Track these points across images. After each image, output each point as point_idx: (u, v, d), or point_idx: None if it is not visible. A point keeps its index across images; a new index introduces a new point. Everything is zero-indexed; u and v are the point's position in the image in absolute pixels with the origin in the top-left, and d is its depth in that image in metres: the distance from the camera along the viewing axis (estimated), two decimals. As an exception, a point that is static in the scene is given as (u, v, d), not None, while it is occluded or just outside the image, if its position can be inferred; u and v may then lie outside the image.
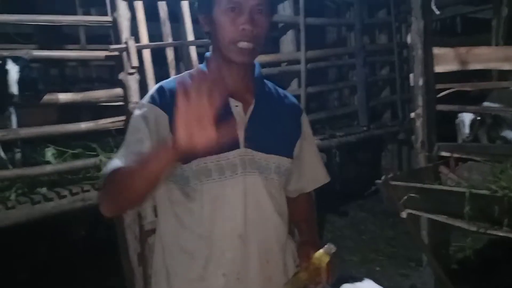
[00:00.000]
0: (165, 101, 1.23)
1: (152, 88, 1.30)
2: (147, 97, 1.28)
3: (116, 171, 1.16)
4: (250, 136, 1.27)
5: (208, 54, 1.34)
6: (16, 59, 2.99)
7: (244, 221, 1.27)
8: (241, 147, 1.26)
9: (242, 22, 1.19)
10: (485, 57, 3.37)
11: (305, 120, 1.43)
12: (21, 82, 2.96)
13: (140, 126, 1.21)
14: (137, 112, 1.26)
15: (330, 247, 1.27)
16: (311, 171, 1.45)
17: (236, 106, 1.27)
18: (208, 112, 1.01)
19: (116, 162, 1.21)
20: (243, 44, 1.20)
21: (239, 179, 1.26)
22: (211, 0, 1.22)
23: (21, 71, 2.97)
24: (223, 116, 1.23)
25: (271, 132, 1.32)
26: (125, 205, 1.25)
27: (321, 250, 1.26)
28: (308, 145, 1.43)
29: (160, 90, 1.26)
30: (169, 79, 1.34)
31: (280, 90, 1.43)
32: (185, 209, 1.28)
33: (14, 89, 2.95)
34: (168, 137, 1.15)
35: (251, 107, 1.29)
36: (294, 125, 1.40)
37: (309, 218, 1.51)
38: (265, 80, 1.40)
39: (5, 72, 2.92)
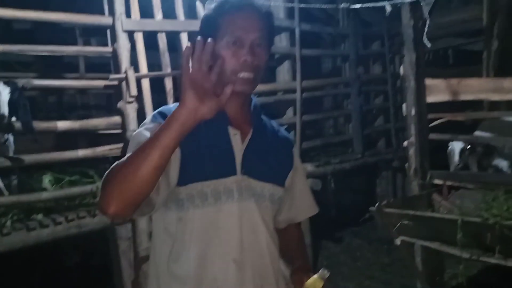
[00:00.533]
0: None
1: (152, 113, 1.34)
2: (149, 118, 1.32)
3: (120, 161, 1.13)
4: (247, 164, 1.30)
5: None
6: (7, 82, 3.05)
7: (239, 246, 1.29)
8: (238, 173, 1.29)
9: (244, 54, 1.25)
10: (475, 88, 3.47)
11: (296, 152, 1.49)
12: (11, 104, 2.99)
13: (142, 137, 1.21)
14: (138, 129, 1.29)
15: (323, 272, 1.28)
16: (301, 202, 1.48)
17: (235, 134, 1.31)
18: (210, 83, 1.08)
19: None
20: (244, 74, 1.26)
21: (235, 204, 1.28)
22: (212, 34, 1.26)
23: (12, 93, 3.01)
24: (222, 143, 1.29)
25: (267, 161, 1.35)
26: (132, 191, 1.11)
27: (315, 276, 1.28)
28: (299, 177, 1.47)
29: (161, 112, 1.31)
30: (169, 105, 1.39)
31: (274, 123, 1.48)
32: (178, 233, 1.29)
33: (4, 110, 2.98)
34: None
35: (249, 136, 1.33)
36: (287, 157, 1.44)
37: (300, 246, 1.53)
38: (261, 114, 1.44)
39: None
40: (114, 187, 1.09)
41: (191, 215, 1.27)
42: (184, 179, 1.24)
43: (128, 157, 1.13)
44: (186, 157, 1.24)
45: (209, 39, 1.09)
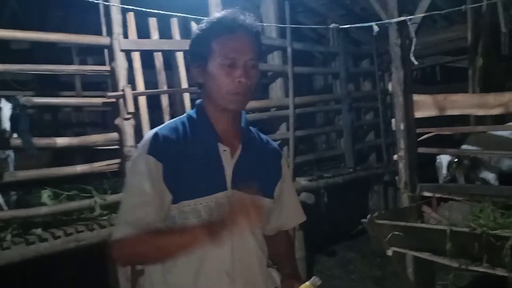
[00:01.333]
0: (160, 149, 1.31)
1: (148, 134, 1.38)
2: (143, 146, 1.35)
3: (132, 240, 1.27)
4: (237, 178, 1.34)
5: (198, 101, 1.44)
6: (8, 98, 3.12)
7: (231, 258, 1.34)
8: (229, 188, 1.34)
9: (238, 76, 1.30)
10: (460, 104, 3.59)
11: (284, 163, 1.55)
12: (12, 120, 3.07)
13: (140, 184, 1.29)
14: (134, 164, 1.34)
15: (316, 280, 1.34)
16: (290, 210, 1.55)
17: (224, 150, 1.37)
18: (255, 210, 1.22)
19: (123, 224, 1.30)
20: (239, 93, 1.32)
21: None
22: (205, 55, 1.33)
23: (13, 109, 3.08)
24: (212, 160, 1.35)
25: (255, 175, 1.38)
26: (146, 263, 1.40)
27: (307, 282, 1.34)
28: (287, 187, 1.54)
29: (155, 138, 1.34)
30: (163, 125, 1.41)
31: (263, 136, 1.54)
32: None
33: (6, 125, 3.04)
34: (162, 187, 1.28)
35: (238, 151, 1.38)
36: (275, 168, 1.49)
37: (289, 252, 1.61)
38: (250, 127, 1.50)
39: (-1, 109, 3.04)
40: (132, 260, 1.40)
41: None
42: (176, 198, 1.30)
43: (150, 244, 1.28)
44: (177, 175, 1.29)
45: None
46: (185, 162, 1.30)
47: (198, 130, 1.37)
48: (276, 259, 1.55)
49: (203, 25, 1.36)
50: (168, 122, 1.44)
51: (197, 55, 1.36)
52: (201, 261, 1.32)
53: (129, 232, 1.27)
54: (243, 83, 1.31)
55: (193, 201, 1.31)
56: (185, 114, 1.44)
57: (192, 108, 1.46)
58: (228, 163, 1.36)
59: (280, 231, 1.57)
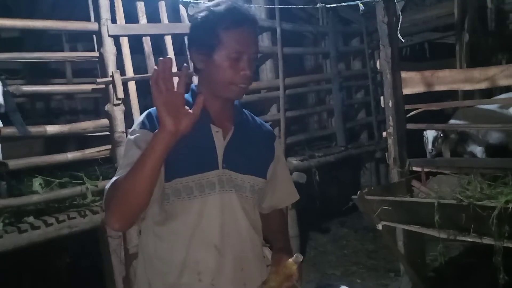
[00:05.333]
0: (153, 125, 1.36)
1: (142, 115, 1.44)
2: (137, 123, 1.42)
3: (116, 180, 1.29)
4: (228, 158, 1.40)
5: (193, 86, 1.49)
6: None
7: (220, 233, 1.40)
8: (220, 167, 1.39)
9: (244, 68, 1.36)
10: (447, 79, 3.64)
11: (278, 145, 1.61)
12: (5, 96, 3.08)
13: (133, 150, 1.34)
14: (129, 137, 1.40)
15: (298, 256, 1.42)
16: (283, 190, 1.61)
17: (217, 131, 1.42)
18: (180, 98, 1.21)
19: (114, 178, 1.34)
20: (242, 86, 1.38)
21: (217, 196, 1.39)
22: (212, 44, 1.36)
23: (3, 86, 3.09)
24: (205, 140, 1.41)
25: (247, 155, 1.44)
26: (132, 207, 1.27)
27: (290, 259, 1.42)
28: (281, 168, 1.59)
29: (149, 116, 1.40)
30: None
31: (257, 119, 1.60)
32: (164, 222, 1.40)
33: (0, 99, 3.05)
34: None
35: (230, 133, 1.44)
36: (268, 150, 1.54)
37: (283, 229, 1.67)
38: (244, 110, 1.56)
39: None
40: (116, 207, 1.26)
41: (177, 207, 1.38)
42: (169, 175, 1.35)
43: (122, 180, 1.25)
44: (171, 155, 1.31)
45: (168, 57, 1.19)
46: (178, 140, 1.32)
47: None
48: (270, 235, 1.62)
49: (208, 13, 1.38)
50: None
51: (202, 43, 1.39)
52: (191, 235, 1.38)
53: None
54: (247, 75, 1.37)
55: (185, 178, 1.36)
56: None
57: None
58: (220, 143, 1.41)
59: (275, 209, 1.63)
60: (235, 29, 1.35)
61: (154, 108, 1.41)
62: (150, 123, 1.38)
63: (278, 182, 1.58)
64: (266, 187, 1.53)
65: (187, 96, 1.46)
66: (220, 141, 1.42)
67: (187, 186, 1.37)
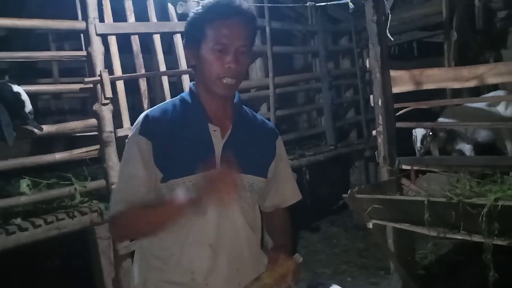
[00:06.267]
0: (150, 129, 1.37)
1: (140, 117, 1.43)
2: (135, 128, 1.41)
3: (125, 216, 1.35)
4: (226, 157, 1.39)
5: (191, 84, 1.49)
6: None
7: (216, 233, 1.39)
8: (218, 167, 1.37)
9: (228, 61, 1.33)
10: (436, 78, 3.66)
11: (280, 143, 1.57)
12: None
13: (134, 163, 1.36)
14: (130, 146, 1.40)
15: (297, 257, 1.42)
16: (286, 189, 1.59)
17: (215, 130, 1.41)
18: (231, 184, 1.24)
19: (117, 202, 1.38)
20: (227, 80, 1.35)
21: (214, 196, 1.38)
22: (199, 38, 1.35)
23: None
24: (203, 140, 1.40)
25: (246, 154, 1.42)
26: (143, 237, 1.45)
27: (287, 259, 1.41)
28: (283, 166, 1.57)
29: (146, 119, 1.40)
30: (155, 106, 1.47)
31: (258, 116, 1.58)
32: None
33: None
34: (150, 161, 1.34)
35: (228, 132, 1.42)
36: (269, 148, 1.53)
37: (283, 228, 1.64)
38: (244, 107, 1.54)
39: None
40: (128, 235, 1.63)
41: None
42: (166, 176, 1.35)
43: (138, 221, 1.35)
44: (167, 154, 1.33)
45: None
46: (175, 141, 1.34)
47: (189, 111, 1.42)
48: (271, 234, 1.61)
49: (199, 8, 1.38)
50: (161, 103, 1.50)
51: (191, 38, 1.39)
52: (186, 233, 1.38)
53: (123, 209, 1.35)
54: (232, 68, 1.34)
55: (182, 179, 1.35)
56: (178, 96, 1.49)
57: (171, 92, 1.54)
58: (218, 142, 1.40)
59: (278, 208, 1.62)
60: (220, 21, 1.33)
61: (153, 108, 1.45)
62: (146, 127, 1.38)
63: (281, 181, 1.57)
64: (268, 185, 1.51)
65: (185, 94, 1.47)
66: (218, 140, 1.40)
67: (184, 187, 1.35)
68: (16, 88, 3.01)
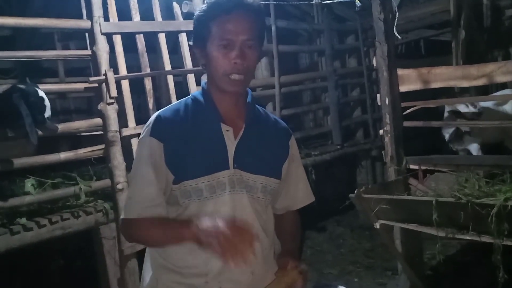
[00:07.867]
0: (161, 130, 1.36)
1: (151, 117, 1.41)
2: (147, 129, 1.39)
3: (138, 225, 1.37)
4: (239, 158, 1.37)
5: (203, 83, 1.47)
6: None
7: None
8: (230, 167, 1.36)
9: (234, 57, 1.31)
10: (444, 76, 3.61)
11: (293, 143, 1.54)
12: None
13: (146, 168, 1.34)
14: (139, 149, 1.40)
15: (304, 267, 1.41)
16: (298, 191, 1.56)
17: (227, 130, 1.39)
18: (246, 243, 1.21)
19: (130, 206, 1.38)
20: (235, 76, 1.33)
21: (228, 197, 1.36)
22: (205, 36, 1.34)
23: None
24: (215, 140, 1.37)
25: (259, 154, 1.41)
26: (149, 246, 1.49)
27: (294, 269, 1.39)
28: (295, 167, 1.54)
29: (157, 120, 1.38)
30: (167, 107, 1.45)
31: (271, 115, 1.55)
32: None
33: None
34: (162, 164, 1.33)
35: (241, 132, 1.40)
36: (282, 148, 1.50)
37: (294, 231, 1.60)
38: (258, 106, 1.51)
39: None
40: (139, 242, 1.63)
41: (190, 208, 1.36)
42: (178, 177, 1.33)
43: (150, 233, 1.37)
44: (179, 155, 1.31)
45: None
46: (187, 142, 1.33)
47: (201, 110, 1.39)
48: (280, 237, 1.57)
49: (204, 6, 1.37)
50: (172, 103, 1.49)
51: (198, 37, 1.38)
52: None
53: (135, 214, 1.36)
54: (238, 64, 1.31)
55: (195, 180, 1.33)
56: (190, 95, 1.47)
57: (177, 91, 1.53)
58: (231, 142, 1.37)
59: (288, 211, 1.58)
60: (223, 16, 1.31)
61: (165, 108, 1.44)
62: (157, 128, 1.36)
63: (292, 182, 1.53)
64: (279, 187, 1.48)
65: (198, 94, 1.45)
66: (230, 140, 1.38)
67: (197, 188, 1.34)
68: (41, 93, 3.03)
